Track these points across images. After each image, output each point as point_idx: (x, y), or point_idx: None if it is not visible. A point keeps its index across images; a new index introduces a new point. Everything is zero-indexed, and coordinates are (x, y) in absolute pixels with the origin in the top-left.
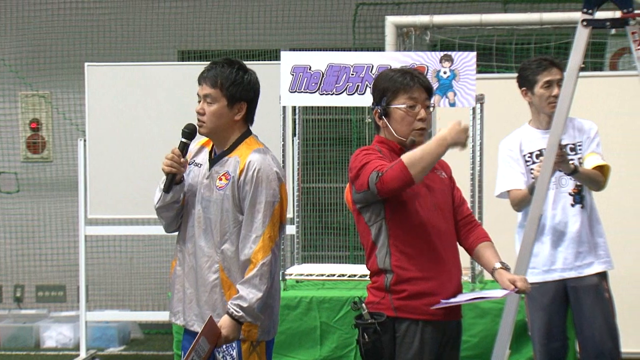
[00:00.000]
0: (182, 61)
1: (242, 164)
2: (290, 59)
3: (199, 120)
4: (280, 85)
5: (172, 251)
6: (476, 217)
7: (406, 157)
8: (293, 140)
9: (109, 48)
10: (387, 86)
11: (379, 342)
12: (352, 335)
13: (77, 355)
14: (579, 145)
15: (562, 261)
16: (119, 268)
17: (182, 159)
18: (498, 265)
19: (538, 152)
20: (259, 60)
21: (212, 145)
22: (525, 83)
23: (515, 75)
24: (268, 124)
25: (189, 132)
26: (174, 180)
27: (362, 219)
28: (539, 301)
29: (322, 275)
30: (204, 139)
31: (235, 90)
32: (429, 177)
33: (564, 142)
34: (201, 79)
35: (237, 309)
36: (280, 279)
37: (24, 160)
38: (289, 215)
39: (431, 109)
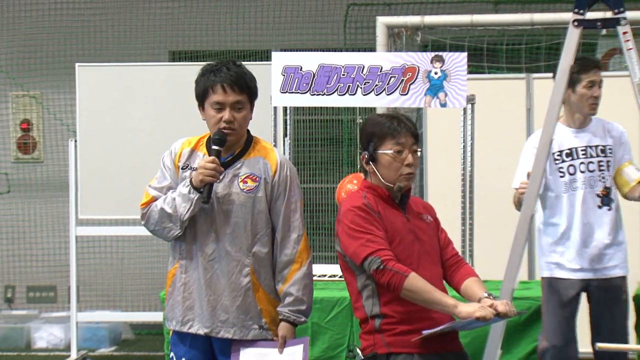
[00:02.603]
0: (173, 62)
1: (274, 165)
2: (281, 59)
3: (228, 128)
4: (271, 85)
5: (164, 252)
6: (467, 218)
7: (411, 284)
8: (284, 141)
9: (100, 48)
10: (374, 131)
11: None
12: (344, 336)
13: (68, 356)
14: (609, 148)
15: (587, 262)
16: (110, 268)
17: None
18: (484, 295)
19: (568, 151)
20: (250, 61)
21: (207, 147)
22: (568, 81)
23: (507, 75)
24: (259, 124)
25: (220, 139)
26: (212, 188)
27: (349, 267)
28: (561, 296)
29: (313, 275)
30: (187, 141)
31: (254, 94)
32: (416, 225)
33: (594, 144)
34: (228, 86)
35: (299, 315)
36: None
37: (15, 160)
38: None
39: (418, 153)
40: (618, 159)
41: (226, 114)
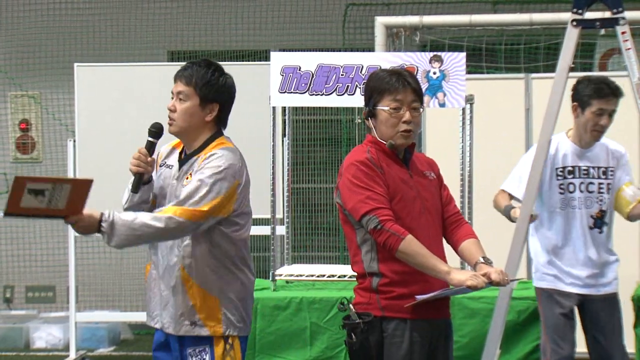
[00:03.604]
0: (172, 62)
1: (202, 159)
2: (280, 59)
3: (169, 117)
4: (270, 85)
5: None
6: (466, 217)
7: (406, 247)
8: (283, 141)
9: (99, 48)
10: (374, 86)
11: (367, 342)
12: (342, 336)
13: (67, 356)
14: (611, 170)
15: (580, 278)
16: (109, 269)
17: (149, 158)
18: (480, 259)
19: (571, 169)
20: (248, 61)
21: (183, 147)
22: (579, 100)
23: (505, 75)
24: (258, 124)
25: (156, 131)
26: (141, 180)
27: (349, 220)
28: (561, 306)
29: (312, 275)
30: (176, 140)
31: (209, 91)
32: (419, 182)
33: (597, 165)
34: (176, 77)
35: (109, 216)
36: (270, 279)
37: (14, 160)
38: (279, 215)
39: (420, 110)
40: (617, 180)
41: (170, 102)
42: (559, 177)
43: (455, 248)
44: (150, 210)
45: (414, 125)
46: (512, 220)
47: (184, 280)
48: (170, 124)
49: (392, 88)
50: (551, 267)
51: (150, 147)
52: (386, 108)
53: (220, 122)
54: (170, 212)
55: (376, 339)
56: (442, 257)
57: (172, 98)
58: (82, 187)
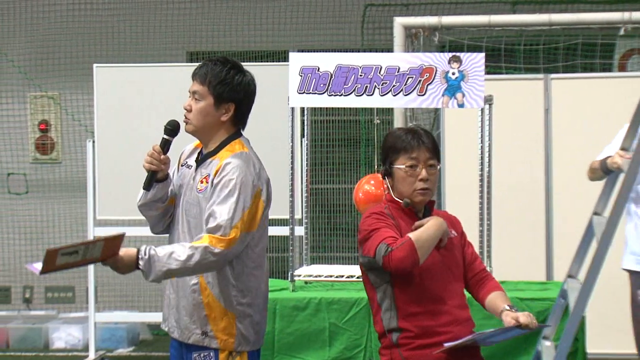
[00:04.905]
0: (191, 62)
1: (219, 166)
2: (298, 60)
3: (185, 117)
4: (288, 86)
5: None
6: (484, 218)
7: (415, 237)
8: (301, 142)
9: (118, 49)
10: (390, 146)
11: None
12: (361, 336)
13: (86, 356)
14: None
15: None
16: None
17: (162, 156)
18: (506, 307)
19: None
20: (267, 62)
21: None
22: None
23: (524, 76)
24: (276, 125)
25: (172, 129)
26: (154, 177)
27: (368, 279)
28: None
29: (331, 276)
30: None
31: (223, 90)
32: None
33: None
34: (192, 75)
35: (145, 253)
36: (289, 280)
37: (33, 161)
38: (298, 216)
39: (437, 168)
40: None
41: (186, 102)
42: None
43: (482, 303)
44: (165, 210)
45: (430, 183)
46: (609, 170)
47: (202, 289)
48: (186, 123)
49: (407, 146)
50: None
51: (165, 145)
52: (402, 166)
53: (239, 122)
54: (204, 242)
55: None
56: (465, 312)
57: (189, 97)
58: (114, 241)
